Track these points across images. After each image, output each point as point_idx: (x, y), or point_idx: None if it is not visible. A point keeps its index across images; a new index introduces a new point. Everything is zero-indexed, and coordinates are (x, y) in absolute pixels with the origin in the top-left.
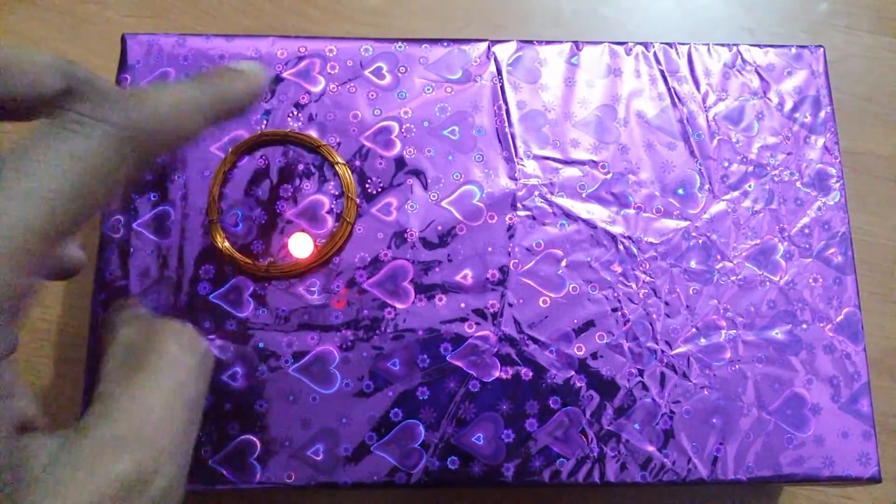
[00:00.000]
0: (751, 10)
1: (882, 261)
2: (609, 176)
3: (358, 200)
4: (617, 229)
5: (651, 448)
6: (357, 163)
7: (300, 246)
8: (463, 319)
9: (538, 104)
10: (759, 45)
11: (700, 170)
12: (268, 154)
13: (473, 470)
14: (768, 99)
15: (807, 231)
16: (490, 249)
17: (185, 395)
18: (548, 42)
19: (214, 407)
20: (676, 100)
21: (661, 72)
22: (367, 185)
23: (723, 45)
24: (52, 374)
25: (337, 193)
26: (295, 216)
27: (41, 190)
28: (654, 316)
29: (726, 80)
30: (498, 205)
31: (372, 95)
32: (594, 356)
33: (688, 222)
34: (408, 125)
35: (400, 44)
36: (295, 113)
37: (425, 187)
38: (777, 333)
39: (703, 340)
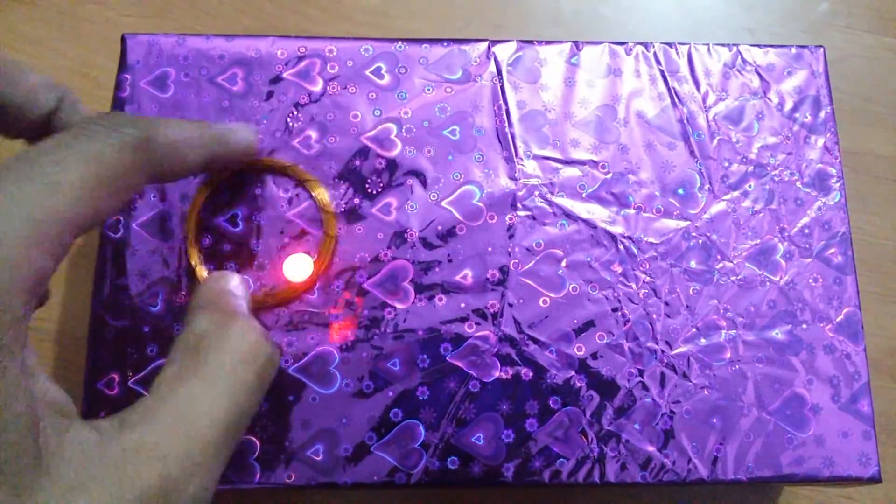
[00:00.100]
0: (751, 10)
1: (882, 261)
2: (609, 176)
3: (341, 209)
4: (617, 229)
5: (651, 448)
6: (357, 163)
7: (297, 268)
8: (463, 319)
9: (538, 104)
10: (759, 45)
11: (700, 170)
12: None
13: (473, 470)
14: (768, 99)
15: (807, 231)
16: (490, 249)
17: (233, 411)
18: (548, 42)
19: None
20: (676, 100)
21: (661, 72)
22: (367, 186)
23: (723, 45)
24: (52, 374)
25: (315, 211)
26: (279, 242)
27: (66, 183)
28: (655, 316)
29: (726, 80)
30: (498, 205)
31: (372, 95)
32: (594, 356)
33: (688, 222)
34: (408, 125)
35: (400, 44)
36: (295, 113)
37: (425, 187)
38: (777, 333)
39: (703, 340)
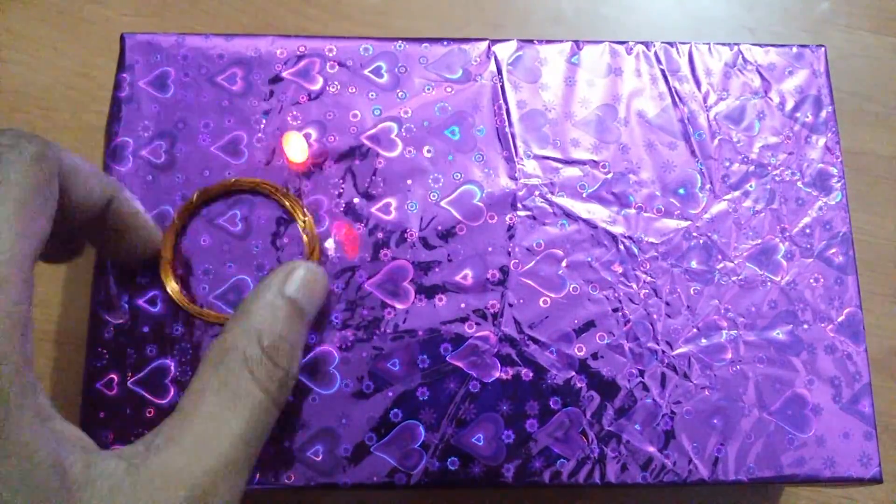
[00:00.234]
0: (752, 9)
1: (883, 261)
2: (609, 176)
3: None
4: (617, 229)
5: (652, 449)
6: (357, 162)
7: None
8: (463, 319)
9: (538, 104)
10: (760, 45)
11: (701, 169)
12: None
13: (473, 471)
14: (769, 98)
15: (808, 231)
16: (490, 249)
17: (254, 427)
18: (548, 41)
19: None
20: (677, 99)
21: (662, 71)
22: (367, 185)
23: (724, 44)
24: (51, 374)
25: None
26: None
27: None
28: (655, 316)
29: (727, 79)
30: (498, 205)
31: (372, 95)
32: (595, 356)
33: (689, 222)
34: (408, 125)
35: (400, 43)
36: (294, 113)
37: (425, 187)
38: (778, 334)
39: (703, 341)
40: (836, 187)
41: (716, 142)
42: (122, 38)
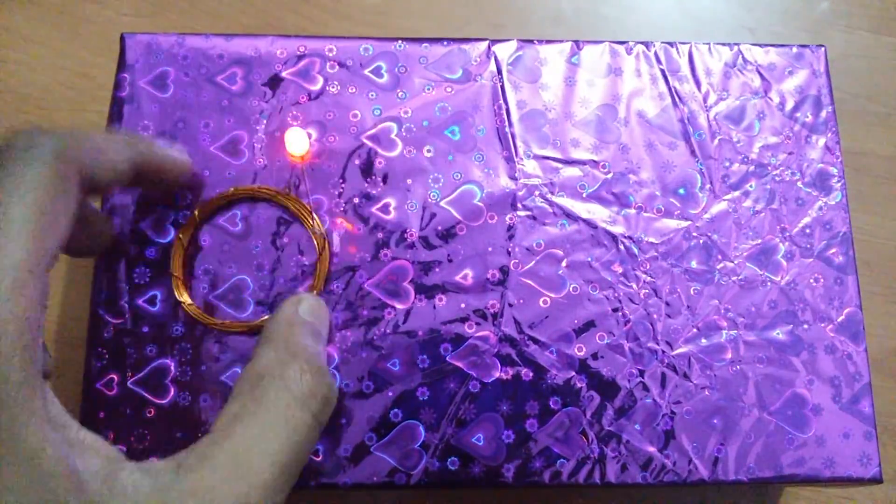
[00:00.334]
0: (752, 9)
1: (883, 261)
2: (609, 176)
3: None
4: (617, 229)
5: (652, 449)
6: (357, 162)
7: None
8: (463, 319)
9: (538, 104)
10: (760, 45)
11: (701, 169)
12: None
13: (473, 471)
14: (769, 98)
15: (808, 231)
16: (490, 249)
17: (290, 452)
18: (548, 41)
19: (213, 408)
20: (677, 99)
21: (662, 71)
22: (367, 185)
23: (724, 44)
24: (51, 374)
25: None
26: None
27: (13, 227)
28: (655, 316)
29: (727, 79)
30: (498, 205)
31: (372, 95)
32: (595, 356)
33: (689, 222)
34: (408, 124)
35: (400, 43)
36: (294, 113)
37: (425, 187)
38: (778, 334)
39: (703, 341)
40: (836, 187)
41: (716, 142)
42: (122, 38)
